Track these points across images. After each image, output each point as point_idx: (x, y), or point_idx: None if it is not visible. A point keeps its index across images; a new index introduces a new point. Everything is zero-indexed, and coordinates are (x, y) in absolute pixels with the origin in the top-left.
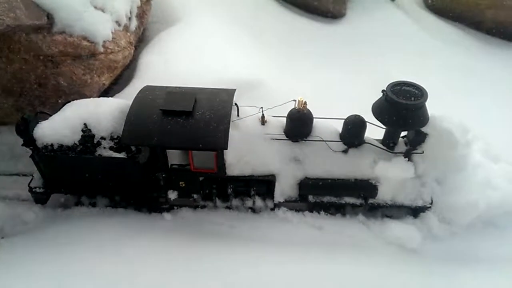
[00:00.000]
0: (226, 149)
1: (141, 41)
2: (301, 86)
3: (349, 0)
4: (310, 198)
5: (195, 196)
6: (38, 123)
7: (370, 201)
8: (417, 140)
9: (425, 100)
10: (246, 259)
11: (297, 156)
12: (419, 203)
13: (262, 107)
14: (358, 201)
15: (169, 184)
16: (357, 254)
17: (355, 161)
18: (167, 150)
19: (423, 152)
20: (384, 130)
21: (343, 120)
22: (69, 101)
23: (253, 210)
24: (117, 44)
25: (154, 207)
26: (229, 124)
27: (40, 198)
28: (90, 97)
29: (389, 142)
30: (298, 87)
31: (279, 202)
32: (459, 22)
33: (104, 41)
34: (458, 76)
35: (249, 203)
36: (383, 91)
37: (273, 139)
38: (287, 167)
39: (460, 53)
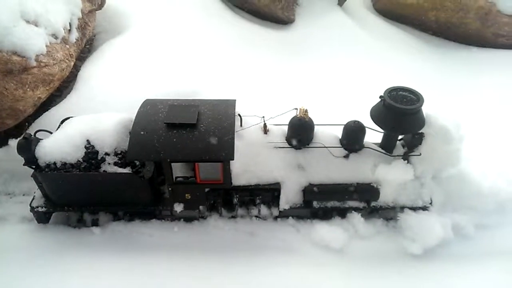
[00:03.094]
0: (233, 159)
1: (88, 51)
2: (254, 95)
3: (298, 6)
4: (315, 204)
5: (201, 207)
6: (39, 141)
7: (373, 203)
8: (414, 142)
9: (422, 104)
10: (174, 269)
11: (300, 163)
12: (419, 203)
13: (263, 116)
14: (361, 205)
15: (174, 197)
16: (285, 256)
17: (356, 165)
18: (172, 164)
19: (420, 154)
20: (382, 134)
21: (343, 126)
22: (67, 118)
23: (259, 218)
24: (52, 57)
25: (159, 219)
26: (234, 134)
27: (42, 217)
28: (24, 111)
29: (387, 146)
30: (249, 96)
31: (285, 209)
32: (406, 25)
33: (37, 55)
34: (404, 78)
35: (254, 211)
36: (381, 96)
37: (277, 148)
38: (291, 175)
39: (407, 56)
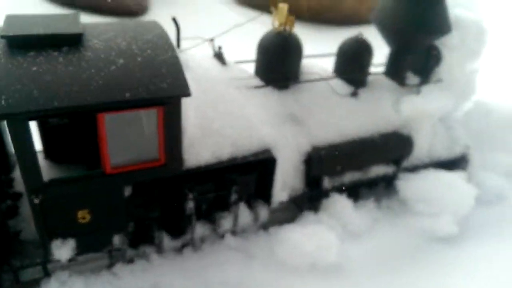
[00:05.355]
0: (189, 95)
1: None
2: None
3: None
4: (326, 182)
5: (116, 239)
6: None
7: (405, 164)
8: (430, 63)
9: None
10: None
11: (293, 112)
12: (457, 152)
13: (212, 38)
14: (389, 169)
15: (50, 226)
16: None
17: (373, 104)
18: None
19: (441, 80)
20: (388, 57)
21: (337, 49)
22: None
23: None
24: None
25: None
26: (178, 56)
27: None
28: None
29: (396, 70)
30: None
31: (281, 202)
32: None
33: None
34: None
35: (226, 223)
36: None
37: (250, 87)
38: (284, 133)
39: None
